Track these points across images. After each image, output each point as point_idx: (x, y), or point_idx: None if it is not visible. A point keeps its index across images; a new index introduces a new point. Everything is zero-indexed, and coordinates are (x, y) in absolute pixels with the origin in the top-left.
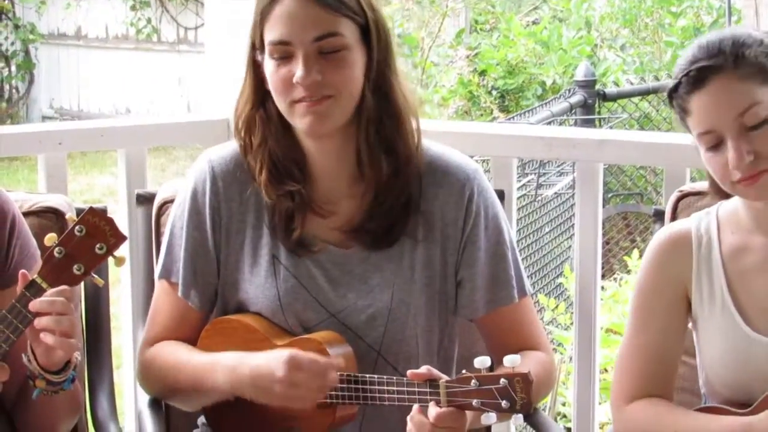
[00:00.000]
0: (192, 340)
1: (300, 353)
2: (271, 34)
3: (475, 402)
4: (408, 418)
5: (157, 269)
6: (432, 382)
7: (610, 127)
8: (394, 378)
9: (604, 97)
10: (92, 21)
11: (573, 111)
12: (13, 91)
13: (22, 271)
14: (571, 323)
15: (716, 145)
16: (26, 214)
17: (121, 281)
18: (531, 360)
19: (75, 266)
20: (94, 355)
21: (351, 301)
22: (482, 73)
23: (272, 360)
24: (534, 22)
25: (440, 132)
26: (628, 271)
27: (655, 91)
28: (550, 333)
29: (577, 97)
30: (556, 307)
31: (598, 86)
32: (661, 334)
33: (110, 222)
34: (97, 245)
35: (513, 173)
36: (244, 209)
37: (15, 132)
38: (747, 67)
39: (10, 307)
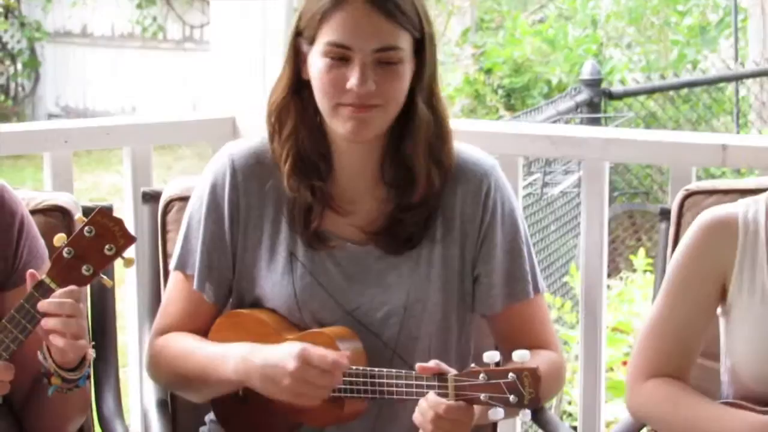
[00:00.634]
0: (203, 333)
1: (311, 348)
2: (331, 35)
3: (483, 396)
4: (417, 407)
5: (173, 260)
6: (440, 375)
7: (616, 126)
8: (403, 372)
9: (610, 96)
10: (98, 19)
11: (579, 109)
12: (19, 89)
13: (31, 270)
14: (577, 322)
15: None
16: (33, 213)
17: (126, 280)
18: (541, 358)
19: (84, 267)
20: (100, 353)
21: (367, 298)
22: (488, 71)
23: (284, 353)
24: (540, 21)
25: None
26: (634, 270)
27: (660, 89)
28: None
29: (583, 96)
30: (562, 305)
31: (603, 85)
32: (690, 316)
33: (119, 223)
34: (107, 246)
35: (519, 172)
36: (262, 204)
37: (21, 130)
38: None
39: (19, 306)
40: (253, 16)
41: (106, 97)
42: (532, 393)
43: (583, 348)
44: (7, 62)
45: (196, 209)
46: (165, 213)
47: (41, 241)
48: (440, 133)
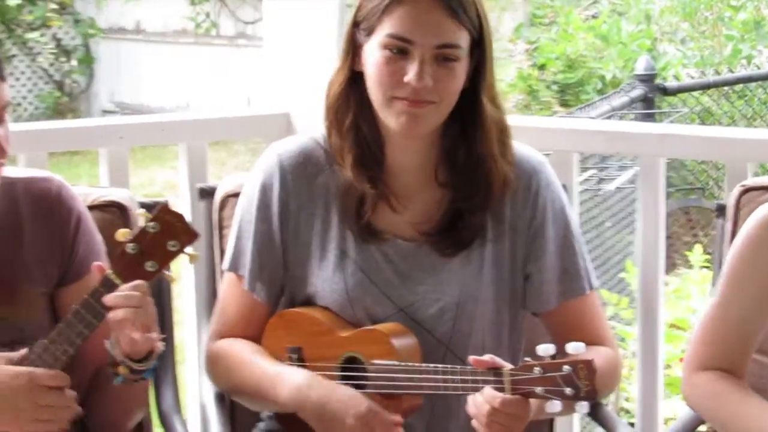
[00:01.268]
0: (258, 333)
1: (377, 409)
2: (393, 28)
3: (539, 390)
4: (470, 397)
5: (225, 261)
6: (496, 370)
7: (671, 122)
8: (458, 367)
9: (665, 91)
10: (151, 15)
11: (633, 105)
12: (74, 85)
13: (98, 263)
14: (634, 318)
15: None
16: (90, 208)
17: (183, 276)
18: (596, 353)
19: (148, 263)
20: None
21: (419, 295)
22: (541, 67)
23: (348, 403)
24: (593, 16)
25: None
26: (691, 266)
27: (715, 85)
28: (613, 328)
29: (638, 92)
30: (619, 302)
31: (658, 80)
32: (746, 311)
33: (182, 219)
34: (170, 242)
35: (574, 168)
36: (312, 202)
37: (77, 126)
38: None
39: (84, 301)
40: (305, 11)
41: (160, 93)
42: (588, 385)
43: (641, 345)
44: (62, 59)
45: (246, 210)
46: (221, 209)
47: (98, 237)
48: (505, 130)
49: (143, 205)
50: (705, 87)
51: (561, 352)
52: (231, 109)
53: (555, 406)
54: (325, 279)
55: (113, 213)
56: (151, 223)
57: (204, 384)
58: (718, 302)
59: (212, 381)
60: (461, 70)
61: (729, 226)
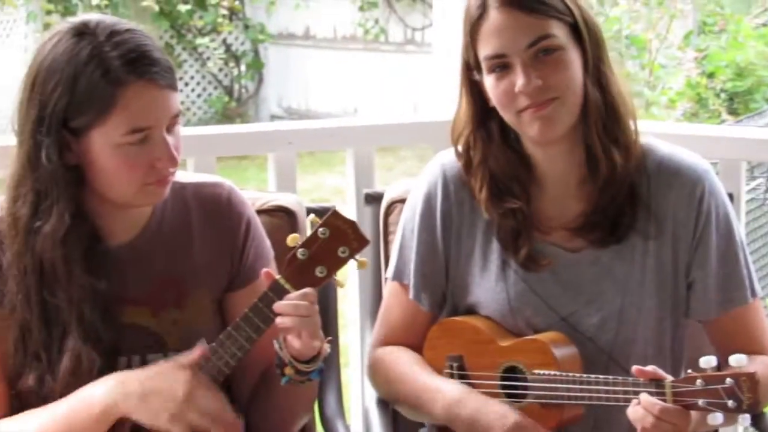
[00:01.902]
0: (420, 341)
1: (525, 423)
2: (485, 50)
3: (701, 402)
4: (632, 403)
5: (389, 270)
6: (657, 381)
7: None
8: (620, 378)
9: None
10: (321, 21)
11: None
12: (243, 90)
13: (267, 269)
14: None
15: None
16: (258, 213)
17: (348, 280)
18: (758, 363)
19: (318, 269)
20: None
21: (581, 304)
22: (710, 75)
23: (495, 418)
24: (764, 24)
25: (668, 134)
26: None
27: None
28: None
29: None
30: None
31: None
32: None
33: (353, 225)
34: (340, 248)
35: (741, 176)
36: (475, 214)
37: (247, 131)
38: None
39: (253, 306)
40: None
41: (328, 98)
42: (750, 398)
43: None
44: (231, 64)
45: (410, 219)
46: (387, 215)
47: (267, 242)
48: (612, 111)
49: (312, 211)
50: None
51: (722, 361)
52: (398, 116)
53: (717, 418)
54: (488, 289)
55: (281, 218)
56: (321, 229)
57: (367, 389)
58: None
59: (374, 388)
60: (569, 57)
61: None
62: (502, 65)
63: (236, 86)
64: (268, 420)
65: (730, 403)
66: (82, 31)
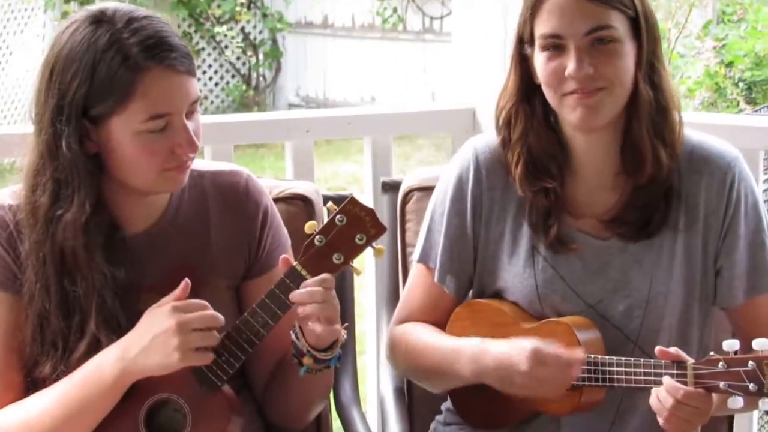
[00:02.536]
0: (441, 324)
1: (543, 348)
2: (542, 28)
3: (722, 384)
4: (653, 390)
5: (416, 252)
6: (679, 363)
7: None
8: (641, 360)
9: None
10: (339, 10)
11: None
12: (261, 79)
13: (285, 256)
14: None
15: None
16: (275, 201)
17: (365, 268)
18: None
19: (335, 255)
20: None
21: (608, 291)
22: (729, 64)
23: (515, 352)
24: None
25: (686, 123)
26: None
27: None
28: None
29: None
30: None
31: None
32: None
33: (371, 213)
34: (357, 235)
35: (760, 166)
36: (505, 199)
37: (264, 119)
38: None
39: (270, 292)
40: (494, 7)
41: (346, 87)
42: None
43: None
44: (249, 52)
45: (440, 203)
46: (404, 203)
47: (284, 230)
48: (662, 109)
49: (329, 199)
50: None
51: (745, 348)
52: (416, 104)
53: (737, 402)
54: (516, 274)
55: (298, 206)
56: (338, 216)
57: (383, 377)
58: None
59: (393, 365)
60: (624, 50)
61: None
62: (556, 46)
63: (254, 75)
64: (284, 408)
65: (752, 386)
66: (100, 19)
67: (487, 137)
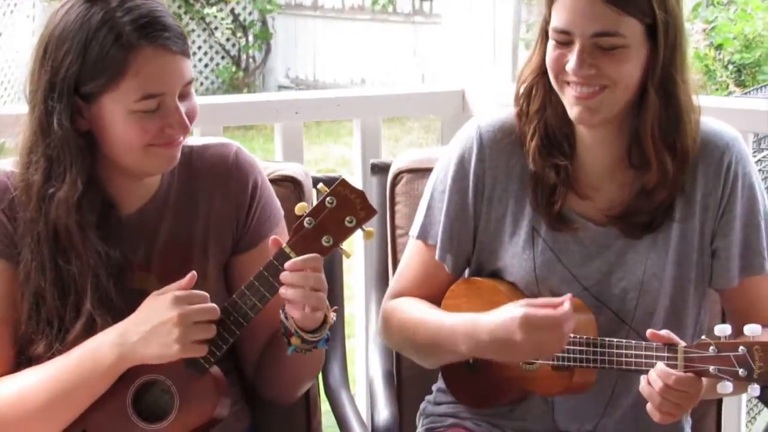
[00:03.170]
0: (437, 299)
1: (532, 312)
2: (554, 20)
3: (712, 369)
4: (643, 377)
5: (414, 228)
6: (671, 346)
7: None
8: (633, 342)
9: None
10: None
11: None
12: (250, 60)
13: (275, 237)
14: None
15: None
16: None
17: (354, 251)
18: None
19: (324, 238)
20: None
21: (604, 274)
22: (718, 47)
23: (507, 323)
24: None
25: None
26: None
27: None
28: None
29: None
30: None
31: None
32: None
33: (361, 195)
34: (347, 218)
35: (749, 148)
36: (508, 179)
37: (253, 101)
38: None
39: (258, 274)
40: None
41: (336, 69)
42: (762, 367)
43: None
44: (239, 34)
45: (441, 180)
46: (393, 185)
47: (276, 203)
48: (674, 119)
49: (319, 181)
50: None
51: (737, 331)
52: (406, 86)
53: (727, 387)
54: (515, 254)
55: (287, 188)
56: (328, 198)
57: (372, 359)
58: None
59: (386, 339)
60: (630, 55)
61: None
62: (564, 39)
63: (244, 56)
64: (274, 384)
65: (741, 371)
66: None
67: (492, 115)
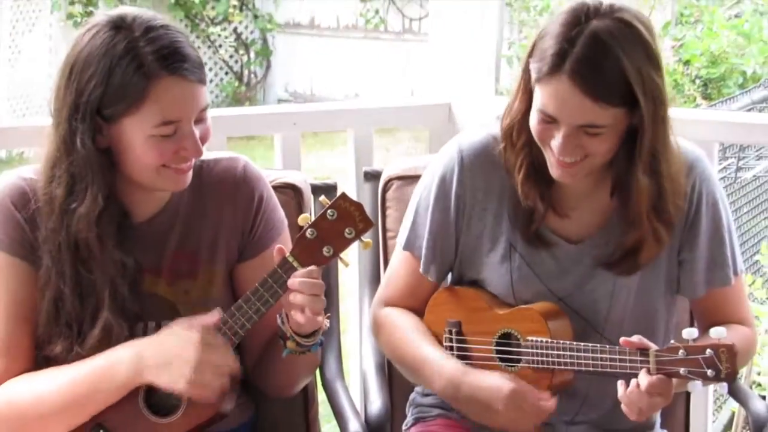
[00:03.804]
0: (421, 306)
1: (520, 391)
2: (541, 102)
3: (682, 370)
4: (620, 383)
5: (401, 238)
6: (642, 351)
7: None
8: (607, 346)
9: None
10: (325, 11)
11: None
12: (252, 75)
13: (279, 246)
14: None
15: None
16: None
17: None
18: (736, 333)
19: (325, 248)
20: None
21: (576, 286)
22: (686, 62)
23: (493, 392)
24: (736, 16)
25: None
26: None
27: None
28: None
29: None
30: (753, 282)
31: None
32: None
33: (360, 208)
34: (347, 229)
35: (714, 157)
36: (486, 197)
37: (254, 113)
38: None
39: (263, 281)
40: (468, 9)
41: (331, 83)
42: (728, 368)
43: None
44: (241, 51)
45: (424, 197)
46: (385, 191)
47: (280, 213)
48: (664, 193)
49: (316, 187)
50: None
51: (703, 331)
52: (396, 99)
53: (696, 386)
54: (493, 268)
55: (287, 194)
56: (329, 210)
57: (365, 354)
58: None
59: (376, 343)
60: (614, 133)
61: None
62: (549, 120)
63: (246, 72)
64: (272, 382)
65: (710, 372)
66: (119, 25)
67: (473, 135)
